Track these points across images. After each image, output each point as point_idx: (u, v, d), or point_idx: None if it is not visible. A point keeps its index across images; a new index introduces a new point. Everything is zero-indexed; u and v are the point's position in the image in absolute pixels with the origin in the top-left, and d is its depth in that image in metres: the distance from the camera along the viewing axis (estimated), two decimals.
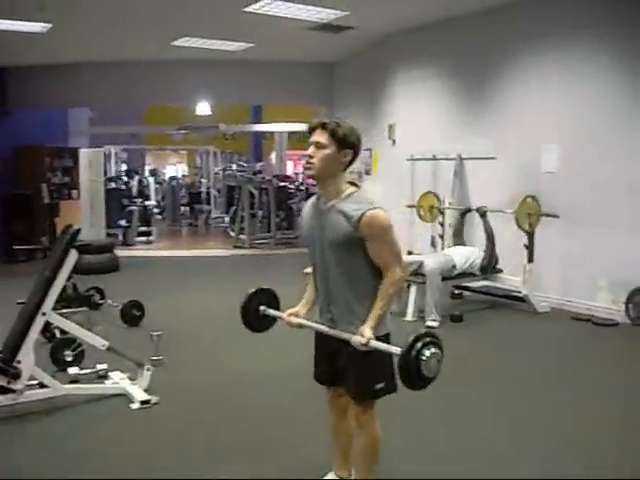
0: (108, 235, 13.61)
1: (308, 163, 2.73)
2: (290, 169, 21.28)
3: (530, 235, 7.03)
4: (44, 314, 4.40)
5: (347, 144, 2.70)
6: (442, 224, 8.10)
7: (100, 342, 4.75)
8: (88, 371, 5.03)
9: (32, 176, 11.78)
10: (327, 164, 2.70)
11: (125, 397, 4.61)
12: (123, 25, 8.73)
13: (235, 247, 12.82)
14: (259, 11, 7.95)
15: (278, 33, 9.25)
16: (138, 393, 4.58)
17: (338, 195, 2.74)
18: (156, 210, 14.05)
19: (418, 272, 6.88)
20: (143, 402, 4.48)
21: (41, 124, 12.16)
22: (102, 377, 4.99)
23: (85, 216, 10.10)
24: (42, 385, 4.46)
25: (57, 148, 12.35)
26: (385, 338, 2.77)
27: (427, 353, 2.44)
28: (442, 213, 8.05)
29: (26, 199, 11.38)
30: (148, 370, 4.77)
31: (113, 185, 14.40)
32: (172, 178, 18.37)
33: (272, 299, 3.19)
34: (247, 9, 7.88)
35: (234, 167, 18.23)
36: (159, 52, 10.47)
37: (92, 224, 10.07)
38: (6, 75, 11.72)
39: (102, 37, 9.41)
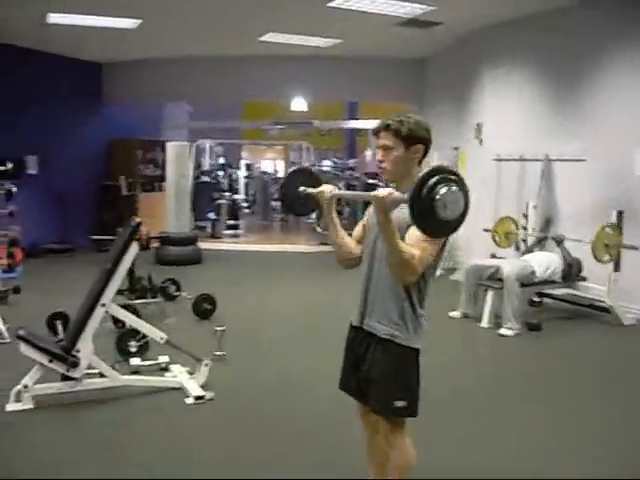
0: (197, 228, 13.94)
1: (380, 168, 2.63)
2: None
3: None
4: (103, 305, 4.46)
5: (415, 139, 2.56)
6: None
7: (159, 335, 4.78)
8: (149, 363, 5.10)
9: (124, 168, 12.16)
10: (399, 165, 2.58)
11: (182, 391, 4.61)
12: (208, 21, 8.81)
13: (321, 244, 12.77)
14: (343, 6, 7.84)
15: (364, 29, 9.11)
16: (194, 388, 4.58)
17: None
18: (244, 204, 14.17)
19: (495, 277, 6.61)
20: (197, 397, 4.48)
21: (136, 118, 12.50)
22: (163, 369, 5.04)
23: (170, 209, 10.28)
24: (102, 375, 4.54)
25: (148, 141, 12.67)
26: (415, 352, 2.63)
27: (442, 191, 2.20)
28: (524, 240, 7.75)
29: (116, 190, 11.73)
30: (206, 365, 4.75)
31: (205, 179, 14.67)
32: (264, 173, 18.51)
33: (314, 181, 2.91)
34: (331, 4, 7.78)
35: (328, 163, 18.22)
36: (246, 48, 10.53)
37: (177, 217, 10.22)
38: (102, 70, 12.13)
39: (189, 32, 9.54)
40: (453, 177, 2.25)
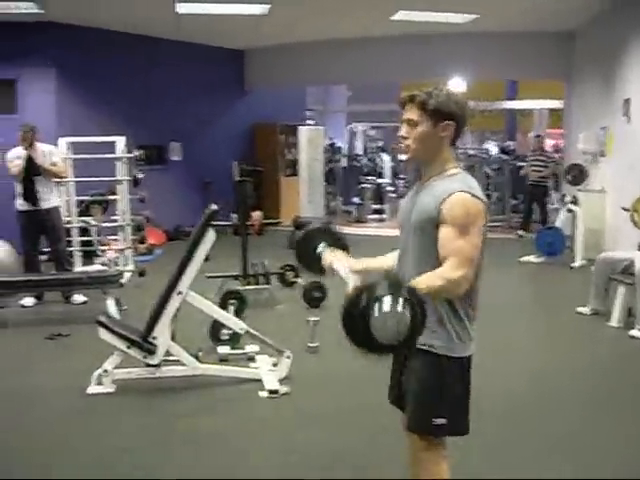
0: (344, 212, 13.89)
1: (403, 146, 2.29)
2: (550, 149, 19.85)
3: None
4: (180, 293, 4.41)
5: (444, 115, 2.21)
6: None
7: (239, 325, 4.69)
8: (238, 352, 5.02)
9: (266, 152, 12.33)
10: (424, 143, 2.24)
11: (261, 383, 4.49)
12: (336, 2, 8.59)
13: None
14: None
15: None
16: (271, 381, 4.43)
17: (441, 174, 2.26)
18: (390, 188, 13.90)
19: (629, 271, 5.90)
20: (271, 391, 4.32)
21: (278, 102, 12.60)
22: (250, 359, 4.94)
23: (303, 193, 10.26)
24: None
25: (287, 126, 12.72)
26: (455, 362, 2.25)
27: (385, 307, 1.87)
28: None
29: (258, 175, 11.88)
30: (288, 358, 4.59)
31: (353, 163, 14.59)
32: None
33: (333, 239, 2.72)
34: None
35: (486, 146, 17.45)
36: (377, 27, 10.22)
37: (310, 200, 10.18)
38: (244, 57, 12.32)
39: (319, 16, 9.38)
40: (403, 292, 1.91)
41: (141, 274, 7.63)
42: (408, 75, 12.21)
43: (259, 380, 4.49)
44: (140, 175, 7.94)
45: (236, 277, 6.95)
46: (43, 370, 4.89)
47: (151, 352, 4.37)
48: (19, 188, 6.72)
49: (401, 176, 15.21)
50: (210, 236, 4.45)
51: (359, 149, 17.11)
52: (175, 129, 11.28)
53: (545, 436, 3.72)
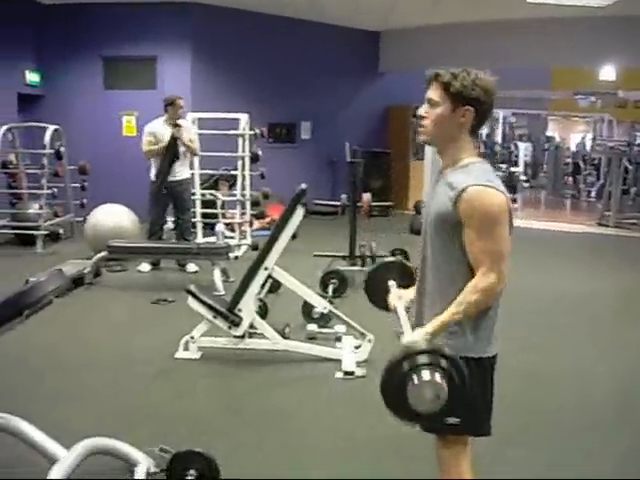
0: None
1: (420, 126, 2.19)
2: None
3: None
4: (266, 269, 4.51)
5: (465, 99, 2.07)
6: None
7: (323, 304, 4.73)
8: (326, 331, 5.06)
9: (398, 135, 12.26)
10: (440, 126, 2.12)
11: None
12: None
13: (599, 224, 11.63)
14: None
15: None
16: (349, 363, 4.44)
17: (455, 164, 2.14)
18: (523, 177, 13.43)
19: None
20: (347, 373, 4.34)
21: (413, 85, 12.43)
22: (337, 339, 4.97)
23: (427, 177, 10.14)
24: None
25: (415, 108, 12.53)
26: (472, 363, 2.10)
27: (425, 376, 1.84)
28: None
29: (386, 158, 11.85)
30: (369, 342, 4.58)
31: (487, 151, 14.21)
32: (557, 147, 17.33)
33: (404, 274, 2.67)
34: None
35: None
36: (510, 12, 9.81)
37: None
38: (379, 38, 12.26)
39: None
40: (443, 362, 1.88)
41: (254, 248, 7.83)
42: (554, 61, 11.68)
43: (339, 360, 4.51)
44: (259, 152, 8.15)
45: (343, 257, 7.00)
46: (142, 332, 5.18)
47: (235, 323, 4.51)
48: (155, 161, 7.03)
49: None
50: (298, 214, 4.50)
51: (499, 136, 16.66)
52: (307, 109, 11.47)
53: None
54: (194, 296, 4.56)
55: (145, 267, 7.08)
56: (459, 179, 2.06)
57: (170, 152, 6.91)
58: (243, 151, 8.28)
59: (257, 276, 4.52)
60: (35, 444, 2.77)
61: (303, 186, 4.54)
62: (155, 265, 7.15)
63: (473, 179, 2.04)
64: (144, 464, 2.90)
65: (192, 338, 4.60)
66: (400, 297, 2.47)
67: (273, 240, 4.51)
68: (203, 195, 8.85)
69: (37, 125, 8.76)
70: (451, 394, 1.87)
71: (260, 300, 5.27)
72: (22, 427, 2.79)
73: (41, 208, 8.22)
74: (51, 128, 8.41)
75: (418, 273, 2.31)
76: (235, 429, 3.61)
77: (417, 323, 2.29)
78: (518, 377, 4.26)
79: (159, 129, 6.99)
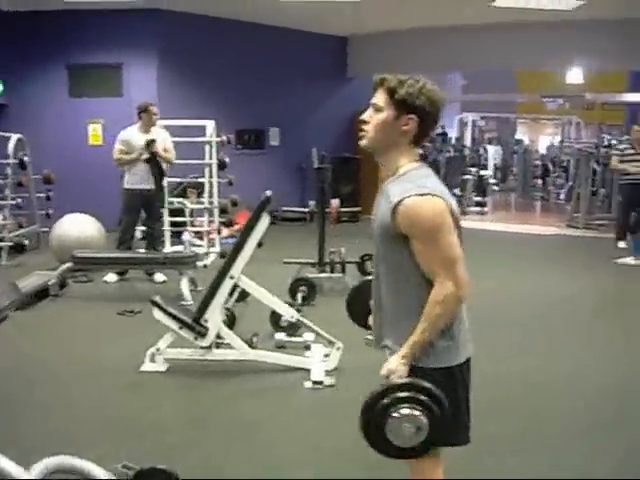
0: None
1: (361, 130, 2.13)
2: None
3: None
4: (232, 277, 4.45)
5: (409, 108, 2.03)
6: None
7: (290, 313, 4.68)
8: (294, 339, 5.00)
9: None
10: (381, 133, 2.08)
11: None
12: None
13: (568, 226, 11.72)
14: None
15: None
16: (318, 372, 4.38)
17: (394, 174, 2.10)
18: (492, 180, 13.52)
19: None
20: (315, 382, 4.28)
21: None
22: (306, 348, 4.91)
23: None
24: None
25: None
26: (440, 373, 2.06)
27: (402, 411, 1.84)
28: None
29: (355, 163, 11.83)
30: (338, 349, 4.53)
31: (456, 154, 14.27)
32: (525, 150, 17.48)
33: None
34: None
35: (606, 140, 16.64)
36: (479, 15, 9.86)
37: None
38: (347, 44, 12.26)
39: (418, 2, 9.18)
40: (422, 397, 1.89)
41: (223, 256, 7.75)
42: (522, 64, 11.78)
43: (308, 369, 4.46)
44: (226, 159, 8.08)
45: (312, 264, 6.95)
46: (107, 344, 5.07)
47: (202, 334, 4.43)
48: (128, 169, 6.91)
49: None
50: (263, 222, 4.45)
51: (468, 139, 16.75)
52: (276, 115, 11.41)
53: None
54: (159, 307, 4.47)
55: (112, 277, 6.97)
56: (395, 191, 2.03)
57: (155, 170, 6.81)
58: (210, 158, 8.20)
59: (223, 285, 4.45)
60: None
61: (268, 193, 4.49)
62: (122, 275, 7.04)
63: (407, 190, 1.99)
64: None
65: (158, 350, 4.52)
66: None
67: (238, 248, 4.44)
68: (171, 203, 8.76)
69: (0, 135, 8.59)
70: (432, 425, 1.86)
71: (227, 309, 5.21)
72: None
73: (5, 219, 8.07)
74: (14, 137, 8.27)
75: (373, 287, 2.25)
76: (202, 442, 3.53)
77: (377, 337, 2.26)
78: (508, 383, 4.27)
79: (133, 137, 6.90)
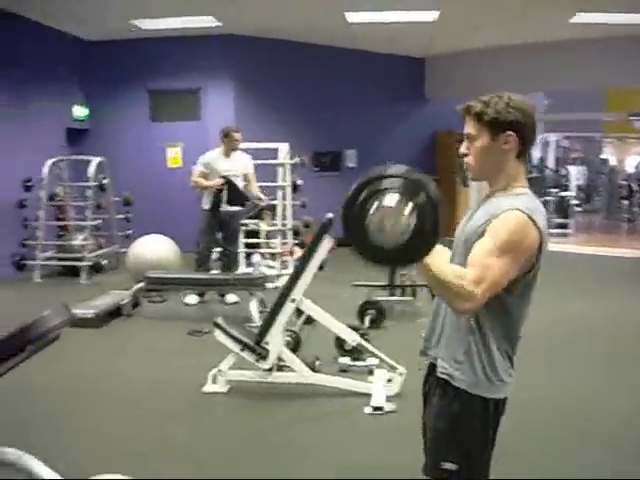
0: None
1: (465, 164, 2.06)
2: None
3: None
4: (293, 301, 4.44)
5: (503, 125, 1.95)
6: None
7: (351, 337, 4.62)
8: (358, 363, 4.94)
9: (446, 162, 12.13)
10: (484, 159, 2.01)
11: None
12: (507, 6, 8.22)
13: None
14: None
15: None
16: (378, 397, 4.30)
17: (506, 190, 2.01)
18: (574, 202, 13.08)
19: None
20: (376, 408, 4.20)
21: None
22: (370, 372, 4.84)
23: (473, 203, 9.91)
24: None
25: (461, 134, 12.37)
26: (475, 400, 1.98)
27: (385, 202, 1.68)
28: None
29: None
30: (400, 375, 4.44)
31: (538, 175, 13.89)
32: (612, 170, 16.85)
33: None
34: None
35: None
36: (559, 32, 9.61)
37: None
38: (423, 64, 12.18)
39: (493, 21, 9.04)
40: (395, 183, 1.72)
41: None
42: (608, 81, 11.37)
43: (369, 394, 4.38)
44: (299, 181, 8.13)
45: (382, 287, 6.87)
46: (173, 364, 5.14)
47: (262, 356, 4.43)
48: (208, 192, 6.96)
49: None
50: (325, 245, 4.42)
51: (551, 160, 16.27)
52: (352, 137, 11.41)
53: None
54: (221, 329, 4.50)
55: (192, 299, 7.03)
56: (504, 203, 1.94)
57: (232, 196, 6.91)
58: (284, 181, 8.27)
59: (284, 309, 4.45)
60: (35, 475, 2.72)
61: (330, 215, 4.47)
62: (201, 296, 7.10)
63: (518, 204, 1.91)
64: None
65: (220, 371, 4.54)
66: None
67: (299, 271, 4.44)
68: (246, 225, 8.88)
69: (82, 158, 8.92)
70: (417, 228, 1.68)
71: (293, 332, 5.20)
72: (26, 461, 2.75)
73: (85, 240, 8.35)
74: (95, 161, 8.57)
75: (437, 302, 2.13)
76: (253, 464, 3.52)
77: (426, 343, 2.17)
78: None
79: (215, 161, 6.96)
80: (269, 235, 8.84)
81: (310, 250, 4.44)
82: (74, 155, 9.31)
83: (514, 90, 2.02)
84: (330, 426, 4.07)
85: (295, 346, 5.17)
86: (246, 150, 7.50)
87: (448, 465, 2.00)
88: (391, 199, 1.70)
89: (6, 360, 2.58)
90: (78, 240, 8.44)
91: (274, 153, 8.42)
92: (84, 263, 8.19)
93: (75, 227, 8.81)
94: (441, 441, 2.05)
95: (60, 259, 8.47)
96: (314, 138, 10.77)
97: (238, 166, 6.98)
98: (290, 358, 4.52)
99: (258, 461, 3.57)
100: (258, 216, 9.38)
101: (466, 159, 2.04)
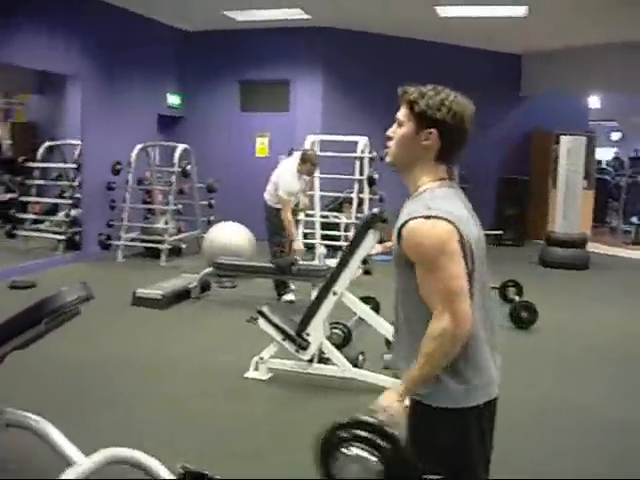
0: (624, 232, 12.70)
1: (385, 147, 2.01)
2: None
3: None
4: (335, 293, 4.45)
5: (429, 121, 1.88)
6: None
7: (390, 332, 4.56)
8: None
9: (540, 162, 11.77)
10: (404, 149, 1.94)
11: None
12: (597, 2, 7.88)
13: None
14: None
15: None
16: None
17: (414, 192, 1.95)
18: None
19: None
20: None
21: (560, 109, 11.85)
22: None
23: (559, 206, 9.55)
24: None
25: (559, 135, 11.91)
26: (446, 413, 1.89)
27: (352, 451, 1.79)
28: None
29: (522, 184, 11.40)
30: None
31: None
32: None
33: None
34: None
35: None
36: None
37: (565, 216, 9.43)
38: (520, 61, 11.80)
39: (588, 18, 8.66)
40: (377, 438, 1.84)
41: (367, 272, 7.79)
42: None
43: None
44: (376, 175, 8.10)
45: None
46: (224, 349, 5.29)
47: (303, 347, 4.47)
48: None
49: None
50: (369, 239, 4.41)
51: None
52: None
53: None
54: (265, 317, 4.57)
55: (290, 296, 6.91)
56: (404, 212, 1.89)
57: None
58: (361, 174, 8.27)
59: (326, 301, 4.46)
60: (57, 447, 2.87)
61: (375, 211, 4.45)
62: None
63: (413, 211, 1.84)
64: None
65: (261, 359, 4.63)
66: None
67: (342, 264, 4.43)
68: (326, 217, 8.96)
69: (168, 144, 9.24)
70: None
71: (344, 326, 5.21)
72: (47, 430, 2.90)
73: (166, 223, 8.65)
74: (180, 147, 8.85)
75: (393, 308, 2.08)
76: (274, 453, 3.56)
77: (394, 358, 2.13)
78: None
79: (295, 184, 6.82)
80: (347, 228, 8.86)
81: (354, 244, 4.43)
82: (165, 142, 9.65)
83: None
84: None
85: (345, 340, 5.19)
86: (324, 142, 7.55)
87: (431, 477, 1.90)
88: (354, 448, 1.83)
89: (23, 332, 2.74)
90: (159, 223, 8.75)
91: (354, 146, 8.42)
92: (164, 246, 8.49)
93: (161, 211, 9.14)
94: (418, 455, 1.95)
95: (142, 241, 8.81)
96: None
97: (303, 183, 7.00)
98: (331, 351, 4.53)
99: (276, 449, 3.61)
100: (338, 209, 9.45)
101: (388, 142, 1.98)
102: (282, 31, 9.90)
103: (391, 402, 1.92)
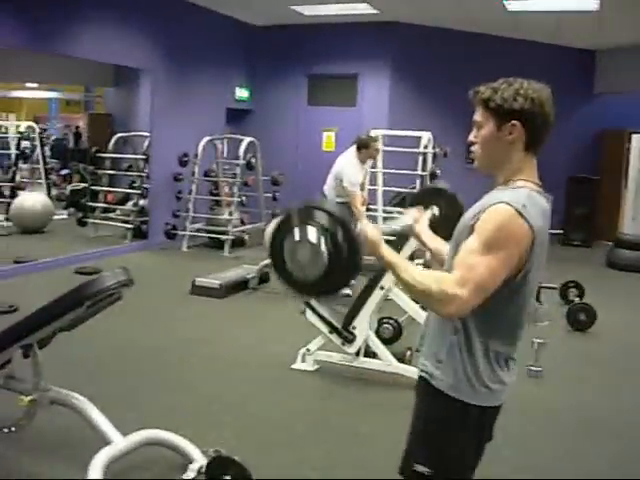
0: None
1: (470, 152, 1.97)
2: None
3: None
4: (382, 288, 4.47)
5: (508, 114, 1.82)
6: None
7: None
8: None
9: (611, 161, 11.41)
10: (489, 150, 1.90)
11: None
12: None
13: None
14: None
15: None
16: None
17: (505, 185, 1.89)
18: None
19: None
20: None
21: (631, 107, 11.46)
22: None
23: (628, 207, 9.27)
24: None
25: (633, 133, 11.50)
26: (453, 402, 1.88)
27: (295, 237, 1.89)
28: None
29: (592, 184, 11.09)
30: None
31: None
32: None
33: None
34: None
35: None
36: None
37: (635, 217, 9.15)
38: (593, 57, 11.45)
39: None
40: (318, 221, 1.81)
41: (426, 266, 7.74)
42: None
43: None
44: (438, 171, 8.05)
45: None
46: (273, 339, 5.41)
47: (349, 340, 4.52)
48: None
49: None
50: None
51: None
52: None
53: None
54: (312, 309, 4.63)
55: (346, 290, 6.98)
56: (496, 196, 1.82)
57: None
58: (423, 170, 8.23)
59: (373, 295, 4.50)
60: (96, 426, 3.01)
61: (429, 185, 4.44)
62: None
63: (508, 197, 1.78)
64: (198, 463, 3.04)
65: (308, 351, 4.69)
66: (416, 220, 2.40)
67: None
68: (389, 212, 8.95)
69: (235, 137, 9.40)
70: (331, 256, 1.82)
71: (395, 321, 5.23)
72: (88, 409, 3.05)
73: (230, 215, 8.82)
74: (246, 140, 9.00)
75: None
76: (308, 443, 3.63)
77: (420, 343, 2.10)
78: None
79: (358, 173, 6.86)
80: None
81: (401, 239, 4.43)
82: (231, 135, 9.83)
83: None
84: (398, 417, 4.06)
85: (396, 335, 5.21)
86: (389, 137, 7.53)
87: (420, 468, 1.93)
88: (304, 233, 1.83)
89: (65, 314, 2.89)
90: (224, 215, 8.93)
91: (418, 141, 8.38)
92: (227, 237, 8.67)
93: (226, 202, 9.32)
94: (417, 442, 1.98)
95: (207, 231, 9.01)
96: (466, 129, 10.53)
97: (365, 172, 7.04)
98: (377, 345, 4.57)
99: (311, 440, 3.69)
100: (401, 203, 9.41)
101: (472, 148, 1.94)
102: (350, 25, 9.93)
103: (372, 240, 1.91)
